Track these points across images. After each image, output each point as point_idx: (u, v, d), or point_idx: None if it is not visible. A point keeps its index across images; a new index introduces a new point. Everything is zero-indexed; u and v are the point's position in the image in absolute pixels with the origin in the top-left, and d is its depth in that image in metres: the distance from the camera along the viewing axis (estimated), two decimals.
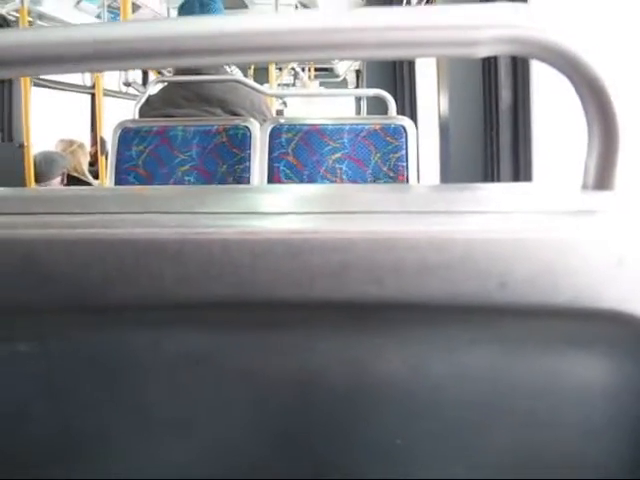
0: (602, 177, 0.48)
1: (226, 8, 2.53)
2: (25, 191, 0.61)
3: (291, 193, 0.53)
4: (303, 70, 8.13)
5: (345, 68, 9.13)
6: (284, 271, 0.43)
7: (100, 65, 0.45)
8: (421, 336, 0.46)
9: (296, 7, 5.96)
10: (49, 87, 5.12)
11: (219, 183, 2.23)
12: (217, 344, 0.47)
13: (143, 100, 2.32)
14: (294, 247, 0.43)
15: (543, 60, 0.44)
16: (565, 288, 0.43)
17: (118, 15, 5.25)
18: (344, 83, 10.48)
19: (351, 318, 0.46)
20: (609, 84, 0.45)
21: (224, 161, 2.25)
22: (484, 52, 0.43)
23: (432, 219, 0.44)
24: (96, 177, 4.74)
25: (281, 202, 0.49)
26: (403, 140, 2.25)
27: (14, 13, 3.96)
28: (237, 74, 2.42)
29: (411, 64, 3.83)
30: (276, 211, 0.47)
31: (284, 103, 8.07)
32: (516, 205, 0.46)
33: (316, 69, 9.80)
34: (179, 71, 2.39)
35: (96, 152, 4.88)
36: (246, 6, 6.10)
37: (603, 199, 0.47)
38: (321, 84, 9.65)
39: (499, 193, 0.51)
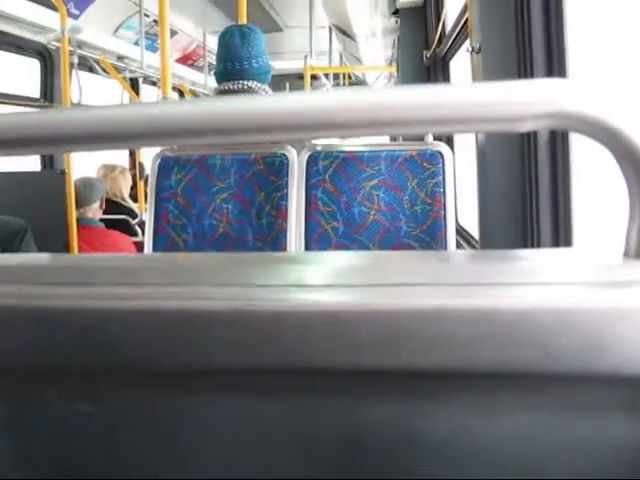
0: None
1: (263, 32, 2.56)
2: (83, 259, 0.62)
3: (335, 262, 0.54)
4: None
5: (380, 88, 9.15)
6: (334, 341, 0.44)
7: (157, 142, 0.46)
8: (467, 401, 0.47)
9: (330, 30, 6.01)
10: None
11: (257, 211, 2.24)
12: (268, 408, 0.48)
13: None
14: (343, 319, 0.44)
15: (585, 134, 0.44)
16: (609, 357, 0.43)
17: (155, 41, 5.35)
18: None
19: (398, 385, 0.46)
20: None
21: (262, 189, 2.26)
22: (527, 127, 0.44)
23: (477, 291, 0.45)
24: (135, 200, 4.82)
25: (326, 273, 0.50)
26: (440, 166, 2.25)
27: (55, 43, 4.05)
28: None
29: (446, 83, 3.83)
30: (323, 283, 0.48)
31: None
32: (559, 276, 0.47)
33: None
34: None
35: (135, 176, 4.96)
36: (281, 29, 6.17)
37: None
38: None
39: (541, 262, 0.51)
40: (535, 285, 0.46)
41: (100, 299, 0.46)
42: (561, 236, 1.68)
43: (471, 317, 0.44)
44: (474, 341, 0.44)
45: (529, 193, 1.73)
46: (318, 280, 0.49)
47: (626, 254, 0.49)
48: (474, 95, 0.43)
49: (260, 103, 0.44)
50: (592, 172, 1.58)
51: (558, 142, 1.63)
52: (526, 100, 0.43)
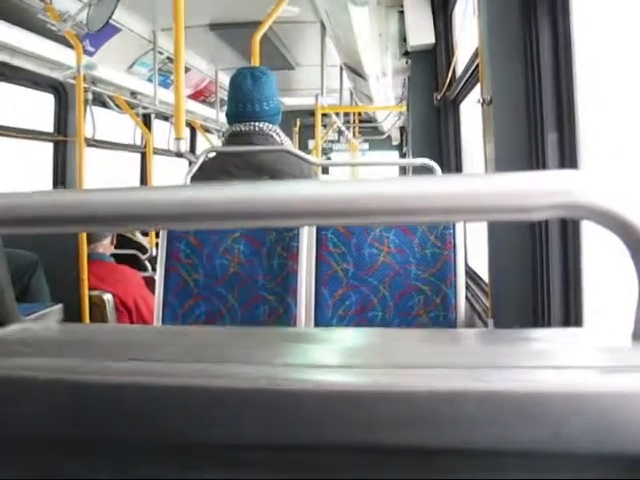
0: None
1: (274, 69, 2.60)
2: (111, 330, 0.64)
3: (352, 341, 0.56)
4: (348, 128, 8.24)
5: (390, 125, 9.24)
6: (352, 420, 0.46)
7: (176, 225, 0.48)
8: (480, 479, 0.48)
9: (341, 69, 6.08)
10: (103, 147, 5.28)
11: (268, 252, 2.26)
12: None
13: (195, 170, 2.37)
14: (361, 400, 0.46)
15: (597, 223, 0.46)
16: (619, 438, 0.45)
17: (168, 78, 5.42)
18: (388, 140, 10.60)
19: (414, 463, 0.48)
20: None
21: (273, 229, 2.28)
22: (541, 217, 0.46)
23: (490, 375, 0.47)
24: (145, 235, 4.85)
25: (345, 353, 0.52)
26: None
27: (71, 80, 4.10)
28: (287, 143, 2.46)
29: (456, 128, 3.87)
30: (342, 364, 0.50)
31: (328, 157, 8.18)
32: (570, 359, 0.48)
33: (360, 126, 9.94)
34: (230, 141, 2.45)
35: None
36: (293, 67, 6.24)
37: None
38: (365, 140, 9.78)
39: (552, 344, 0.53)
40: (547, 369, 0.47)
41: (125, 375, 0.48)
42: (571, 315, 1.69)
43: (484, 399, 0.45)
44: (487, 422, 0.45)
45: (540, 271, 1.75)
46: (337, 360, 0.51)
47: (635, 337, 0.50)
48: (489, 186, 0.45)
49: (286, 191, 0.46)
50: (601, 252, 1.61)
51: (569, 222, 1.66)
52: (541, 191, 0.45)
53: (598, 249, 1.63)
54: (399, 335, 0.62)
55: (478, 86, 2.15)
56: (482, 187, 0.45)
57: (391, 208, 0.45)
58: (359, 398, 0.46)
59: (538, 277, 1.76)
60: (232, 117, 2.45)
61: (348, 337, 0.58)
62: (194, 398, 0.47)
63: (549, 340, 0.55)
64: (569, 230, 1.67)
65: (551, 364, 0.48)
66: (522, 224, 1.79)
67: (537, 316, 1.80)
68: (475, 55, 2.57)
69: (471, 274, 3.22)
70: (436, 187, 0.45)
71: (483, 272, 2.94)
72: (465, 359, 0.49)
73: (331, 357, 0.52)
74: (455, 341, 0.59)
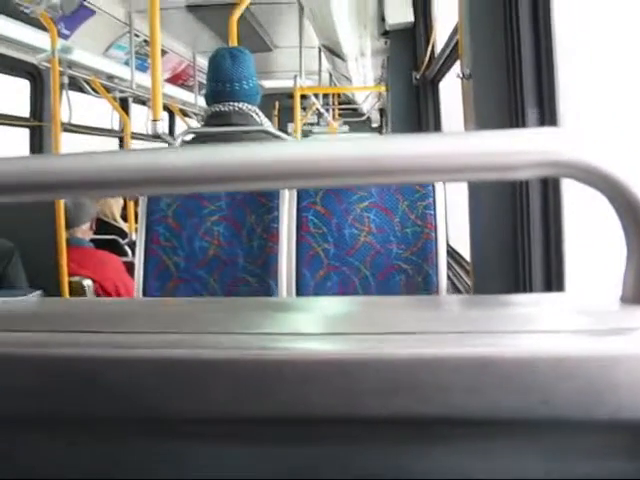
0: None
1: (253, 51, 2.57)
2: (82, 303, 0.62)
3: (333, 309, 0.54)
4: (327, 111, 8.21)
5: (369, 107, 9.21)
6: (334, 390, 0.44)
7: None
8: (466, 448, 0.47)
9: (319, 50, 6.04)
10: (79, 132, 5.21)
11: (248, 234, 2.24)
12: (267, 457, 0.48)
13: None
14: (343, 368, 0.44)
15: (583, 182, 0.45)
16: (607, 403, 0.44)
17: (145, 61, 5.36)
18: (368, 121, 10.57)
19: (398, 433, 0.46)
20: None
21: (253, 211, 2.26)
22: (525, 175, 0.44)
23: (475, 340, 0.45)
24: (125, 220, 4.81)
25: (325, 321, 0.50)
26: (430, 188, 2.25)
27: (45, 63, 4.04)
28: (267, 124, 2.42)
29: (436, 106, 3.85)
30: (322, 332, 0.49)
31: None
32: (557, 323, 0.47)
33: (340, 108, 9.91)
34: (208, 122, 2.42)
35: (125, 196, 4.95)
36: (271, 49, 6.19)
37: None
38: (345, 123, 9.75)
39: (538, 309, 0.52)
40: (533, 333, 0.46)
41: (99, 347, 0.46)
42: (553, 281, 1.68)
43: (469, 365, 0.44)
44: (472, 389, 0.44)
45: (521, 236, 1.73)
46: (317, 328, 0.49)
47: (623, 300, 0.49)
48: (472, 144, 0.44)
49: (257, 153, 0.45)
50: (582, 218, 1.59)
51: (550, 184, 1.64)
52: (526, 149, 0.43)
53: (579, 215, 1.62)
54: (381, 302, 0.60)
55: (457, 64, 2.12)
56: (466, 145, 0.43)
57: (370, 168, 0.43)
58: (341, 366, 0.44)
59: (519, 243, 1.75)
60: (211, 98, 2.41)
61: (329, 305, 0.57)
62: (166, 370, 0.45)
63: (534, 304, 0.54)
64: (550, 195, 1.66)
65: (538, 328, 0.46)
66: (503, 189, 1.77)
67: (518, 284, 1.78)
68: (454, 31, 2.55)
69: (452, 253, 3.22)
70: (420, 145, 0.44)
71: (465, 253, 2.94)
72: (449, 324, 0.47)
73: (311, 325, 0.50)
74: (438, 307, 0.57)
